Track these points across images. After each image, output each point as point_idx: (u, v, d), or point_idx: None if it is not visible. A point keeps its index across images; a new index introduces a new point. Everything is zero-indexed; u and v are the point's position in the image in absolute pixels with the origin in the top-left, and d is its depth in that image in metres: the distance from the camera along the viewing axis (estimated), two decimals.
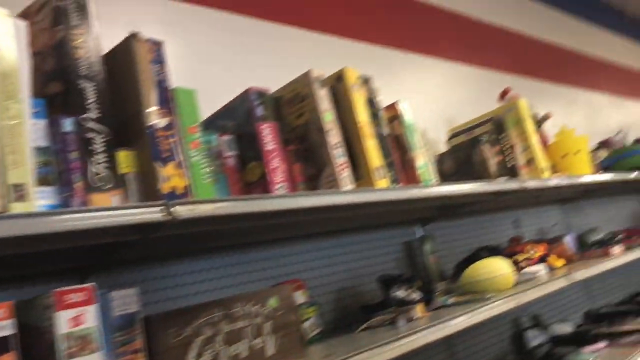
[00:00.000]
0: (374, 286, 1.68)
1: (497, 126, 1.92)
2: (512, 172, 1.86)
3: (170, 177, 0.96)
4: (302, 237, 1.55)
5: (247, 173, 1.21)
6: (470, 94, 2.46)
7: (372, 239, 1.75)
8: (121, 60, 1.01)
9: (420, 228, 1.93)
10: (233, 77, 1.53)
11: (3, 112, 0.78)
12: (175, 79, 1.23)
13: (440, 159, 1.94)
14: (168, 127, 0.99)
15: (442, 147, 2.11)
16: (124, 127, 0.99)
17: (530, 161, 1.93)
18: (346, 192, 1.18)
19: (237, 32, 1.66)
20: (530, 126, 1.95)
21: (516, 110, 1.95)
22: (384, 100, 1.50)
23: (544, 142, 2.13)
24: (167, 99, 1.01)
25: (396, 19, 2.28)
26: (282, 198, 1.02)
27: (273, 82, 1.35)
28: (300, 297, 1.31)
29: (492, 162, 1.84)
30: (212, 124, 1.30)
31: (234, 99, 1.25)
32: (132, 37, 1.00)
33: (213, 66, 1.55)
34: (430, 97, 2.29)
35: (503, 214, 2.24)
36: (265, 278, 1.40)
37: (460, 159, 1.90)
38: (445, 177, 1.91)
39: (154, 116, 0.98)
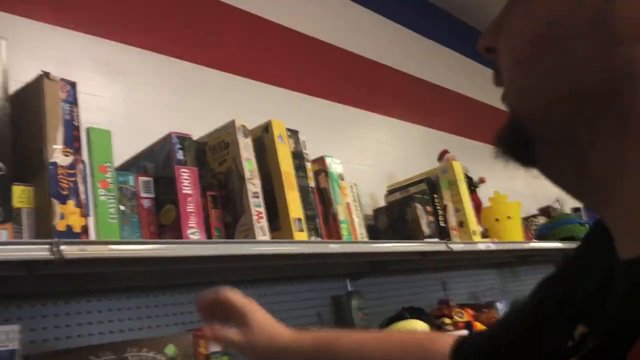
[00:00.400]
0: None
1: (431, 186, 1.96)
2: (443, 233, 1.89)
3: (68, 215, 0.95)
4: (221, 284, 1.52)
5: (162, 216, 1.20)
6: (411, 152, 2.51)
7: (297, 290, 1.73)
8: (31, 97, 1.01)
9: (350, 282, 1.93)
10: (163, 119, 1.54)
11: None
12: (101, 118, 1.22)
13: (376, 215, 1.96)
14: (71, 165, 0.98)
15: (382, 203, 2.14)
16: (26, 162, 0.98)
17: (462, 223, 1.97)
18: (258, 242, 1.18)
19: (174, 76, 1.68)
20: (463, 188, 1.99)
21: (451, 171, 2.00)
22: (320, 151, 1.52)
23: (478, 205, 2.17)
24: (74, 137, 1.00)
25: (339, 73, 2.34)
26: (178, 245, 1.01)
27: (205, 126, 1.36)
28: (213, 345, 1.27)
29: (424, 221, 1.86)
30: (133, 165, 1.29)
31: (157, 142, 1.25)
32: (43, 76, 1.00)
33: (143, 107, 1.55)
34: (371, 152, 2.33)
35: (435, 274, 2.26)
36: (178, 323, 1.36)
37: (394, 216, 1.92)
38: (380, 233, 1.92)
39: (58, 154, 0.97)
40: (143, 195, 1.19)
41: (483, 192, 2.28)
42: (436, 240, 1.75)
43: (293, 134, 1.42)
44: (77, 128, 1.01)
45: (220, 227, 1.26)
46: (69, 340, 1.08)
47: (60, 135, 0.98)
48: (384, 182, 2.19)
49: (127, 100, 1.53)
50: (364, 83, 2.46)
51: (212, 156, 1.33)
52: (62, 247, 0.84)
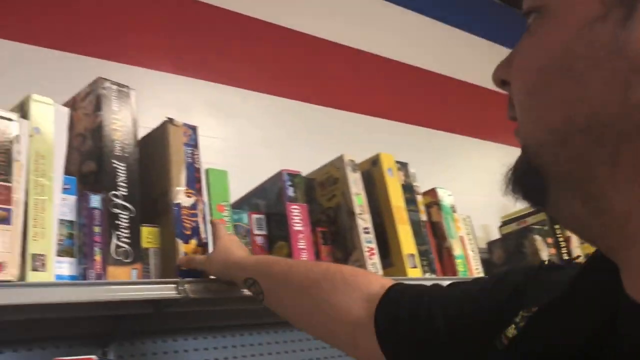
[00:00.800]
0: None
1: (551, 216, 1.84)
2: None
3: (190, 253, 0.99)
4: None
5: (274, 252, 1.21)
6: None
7: None
8: (156, 142, 1.08)
9: None
10: (274, 157, 1.58)
11: (33, 189, 0.85)
12: (217, 158, 1.28)
13: (490, 248, 1.87)
14: (193, 206, 1.03)
15: (496, 235, 2.03)
16: (153, 204, 1.04)
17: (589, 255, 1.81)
18: None
19: (282, 114, 1.73)
20: None
21: None
22: (429, 183, 1.48)
23: None
24: (195, 179, 1.05)
25: (444, 100, 2.29)
26: None
27: (312, 162, 1.38)
28: None
29: (545, 254, 1.74)
30: (246, 202, 1.33)
31: (267, 180, 1.28)
32: (168, 122, 1.07)
33: (255, 146, 1.61)
34: (483, 181, 2.23)
35: None
36: None
37: (511, 248, 1.82)
38: (495, 267, 1.83)
39: (181, 195, 1.02)
40: (256, 232, 1.22)
41: None
42: None
43: (402, 166, 1.39)
44: (198, 170, 1.06)
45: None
46: None
47: (183, 177, 1.04)
48: (497, 213, 2.08)
49: (240, 140, 1.60)
50: (471, 109, 2.39)
51: (321, 192, 1.33)
52: (187, 286, 0.88)
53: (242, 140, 1.60)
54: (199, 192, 1.05)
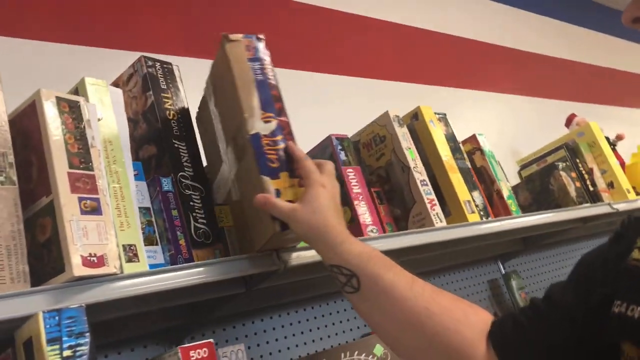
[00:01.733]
0: None
1: (571, 151, 1.85)
2: (594, 197, 1.77)
3: (284, 189, 0.80)
4: None
5: None
6: (530, 125, 2.39)
7: (457, 279, 1.67)
8: (220, 73, 0.91)
9: (502, 264, 1.84)
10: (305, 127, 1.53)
11: (109, 176, 0.79)
12: None
13: (515, 192, 1.87)
14: (274, 132, 0.83)
15: (513, 181, 2.04)
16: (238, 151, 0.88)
17: (612, 184, 1.84)
18: (441, 229, 1.13)
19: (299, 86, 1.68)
20: (606, 148, 1.86)
21: (588, 132, 1.88)
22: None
23: (621, 164, 2.03)
24: (272, 98, 0.85)
25: (446, 56, 2.27)
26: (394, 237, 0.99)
27: (343, 129, 1.34)
28: None
29: (571, 188, 1.75)
30: None
31: (315, 147, 1.24)
32: (224, 39, 0.87)
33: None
34: (491, 131, 2.23)
35: (585, 243, 2.12)
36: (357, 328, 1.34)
37: (536, 189, 1.82)
38: (523, 209, 1.83)
39: (257, 122, 0.83)
40: None
41: (622, 150, 2.13)
42: (603, 203, 1.64)
43: (442, 117, 1.37)
44: (273, 87, 0.86)
45: (390, 222, 1.23)
46: (288, 351, 1.08)
47: (255, 100, 0.84)
48: (509, 160, 2.09)
49: None
50: (473, 62, 2.38)
51: (367, 153, 1.30)
52: (284, 255, 0.83)
53: None
54: (280, 112, 0.85)
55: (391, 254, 1.12)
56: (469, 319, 0.69)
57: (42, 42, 1.21)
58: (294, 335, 1.12)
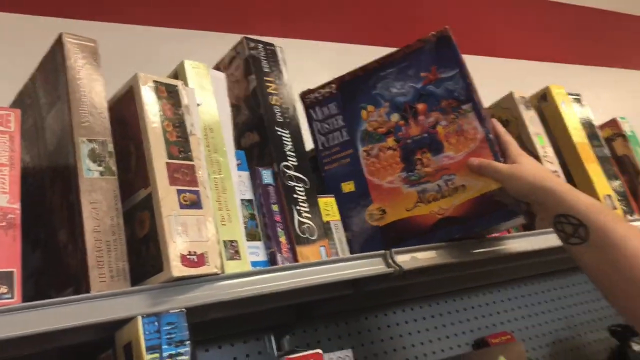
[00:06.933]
0: (601, 337, 1.40)
1: None
2: None
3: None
4: (505, 283, 1.35)
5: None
6: None
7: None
8: None
9: None
10: None
11: (210, 166, 0.73)
12: None
13: None
14: None
15: None
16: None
17: None
18: None
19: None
20: None
21: None
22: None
23: None
24: None
25: (577, 29, 2.03)
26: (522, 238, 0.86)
27: None
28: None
29: None
30: None
31: None
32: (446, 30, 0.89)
33: None
34: (632, 115, 1.98)
35: None
36: (468, 330, 1.21)
37: None
38: None
39: None
40: None
41: None
42: None
43: (576, 98, 1.19)
44: None
45: None
46: (394, 353, 0.99)
47: None
48: None
49: None
50: (595, 35, 2.12)
51: None
52: (398, 257, 0.74)
53: None
54: None
55: (515, 257, 1.01)
56: None
57: (143, 27, 1.19)
58: (400, 336, 1.03)
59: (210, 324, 0.83)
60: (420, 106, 0.88)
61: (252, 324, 0.92)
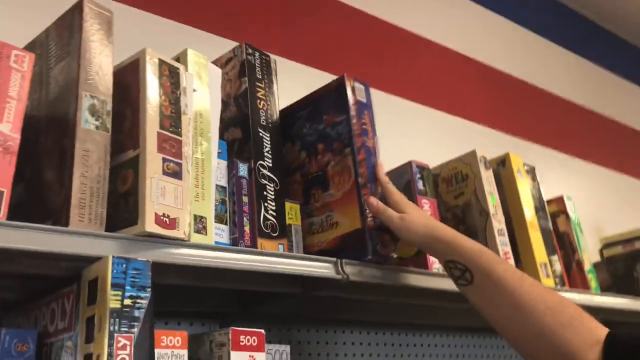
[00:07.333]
0: None
1: None
2: None
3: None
4: (465, 331, 1.40)
5: (402, 247, 1.13)
6: (622, 204, 2.25)
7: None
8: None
9: None
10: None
11: (195, 146, 0.79)
12: None
13: (594, 270, 1.75)
14: None
15: (593, 257, 1.91)
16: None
17: None
18: None
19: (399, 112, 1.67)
20: None
21: None
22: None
23: None
24: None
25: (541, 111, 2.19)
26: None
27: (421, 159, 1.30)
28: None
29: None
30: None
31: (393, 170, 1.20)
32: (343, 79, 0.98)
33: None
34: (576, 199, 2.12)
35: None
36: None
37: (618, 272, 1.70)
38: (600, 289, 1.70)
39: None
40: None
41: None
42: None
43: (530, 170, 1.30)
44: None
45: None
46: None
47: None
48: (589, 234, 1.96)
49: None
50: (559, 123, 2.29)
51: (446, 188, 1.25)
52: (348, 267, 0.80)
53: None
54: None
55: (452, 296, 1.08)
56: (574, 325, 0.72)
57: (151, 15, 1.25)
58: (345, 355, 1.07)
59: (163, 295, 0.87)
60: (320, 146, 0.98)
61: (202, 306, 0.96)
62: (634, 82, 2.76)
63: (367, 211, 0.88)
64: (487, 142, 1.84)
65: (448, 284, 0.97)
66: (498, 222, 1.15)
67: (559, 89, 2.31)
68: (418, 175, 1.16)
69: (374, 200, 0.88)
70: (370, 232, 0.88)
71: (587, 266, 1.29)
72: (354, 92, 0.97)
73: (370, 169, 0.93)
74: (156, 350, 0.65)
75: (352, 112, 0.95)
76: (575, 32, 2.56)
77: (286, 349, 0.83)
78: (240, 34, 1.34)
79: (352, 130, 0.94)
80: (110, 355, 0.56)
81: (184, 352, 0.68)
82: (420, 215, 0.87)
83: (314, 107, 0.99)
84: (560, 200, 1.35)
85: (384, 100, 1.66)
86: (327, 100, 0.98)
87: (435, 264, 1.07)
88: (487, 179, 1.19)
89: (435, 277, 0.95)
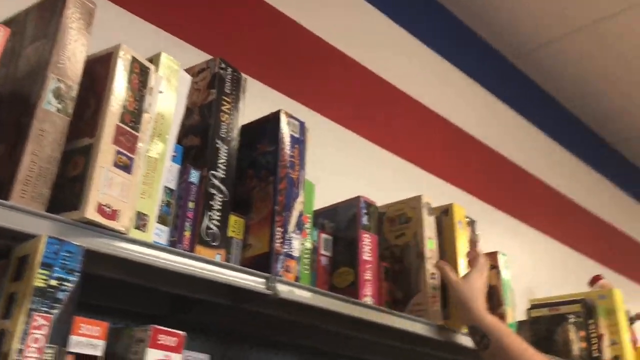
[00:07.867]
0: None
1: (587, 310, 1.79)
2: None
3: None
4: None
5: (337, 277, 1.16)
6: (554, 270, 2.36)
7: None
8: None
9: None
10: (339, 184, 1.54)
11: (151, 145, 0.81)
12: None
13: (518, 327, 1.81)
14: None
15: (520, 316, 1.98)
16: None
17: (618, 358, 1.77)
18: (436, 327, 1.11)
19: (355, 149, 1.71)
20: (623, 320, 1.81)
21: (610, 298, 1.83)
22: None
23: (634, 342, 1.95)
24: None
25: (492, 173, 2.29)
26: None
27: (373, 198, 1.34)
28: None
29: (576, 346, 1.69)
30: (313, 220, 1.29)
31: (342, 202, 1.25)
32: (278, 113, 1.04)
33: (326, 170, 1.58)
34: (512, 261, 2.21)
35: None
36: None
37: (541, 332, 1.77)
38: None
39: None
40: (322, 252, 1.18)
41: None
42: None
43: (471, 223, 1.37)
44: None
45: (389, 301, 1.21)
46: None
47: None
48: (520, 296, 2.04)
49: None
50: (511, 187, 2.39)
51: (390, 227, 1.30)
52: (278, 285, 0.83)
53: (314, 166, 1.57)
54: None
55: (387, 331, 1.11)
56: None
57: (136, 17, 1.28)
58: None
59: (92, 287, 0.87)
60: (250, 171, 1.03)
61: (131, 305, 0.96)
62: (587, 163, 2.91)
63: (277, 236, 0.93)
64: (437, 191, 1.91)
65: (377, 316, 1.02)
66: (432, 267, 1.20)
67: (513, 155, 2.43)
68: (364, 210, 1.21)
69: (442, 264, 1.19)
70: (276, 256, 0.92)
71: (509, 319, 1.34)
72: (288, 126, 1.03)
73: (289, 200, 0.98)
74: (73, 337, 0.65)
75: (282, 145, 1.01)
76: (536, 104, 2.71)
77: (205, 358, 0.84)
78: (216, 50, 1.39)
79: (279, 161, 0.99)
80: (25, 333, 0.57)
81: (101, 343, 0.68)
82: (469, 287, 1.13)
83: (252, 134, 1.04)
84: (493, 255, 1.42)
85: (342, 136, 1.71)
86: (263, 130, 1.04)
87: (366, 297, 1.11)
88: (429, 224, 1.24)
89: (364, 308, 0.98)
